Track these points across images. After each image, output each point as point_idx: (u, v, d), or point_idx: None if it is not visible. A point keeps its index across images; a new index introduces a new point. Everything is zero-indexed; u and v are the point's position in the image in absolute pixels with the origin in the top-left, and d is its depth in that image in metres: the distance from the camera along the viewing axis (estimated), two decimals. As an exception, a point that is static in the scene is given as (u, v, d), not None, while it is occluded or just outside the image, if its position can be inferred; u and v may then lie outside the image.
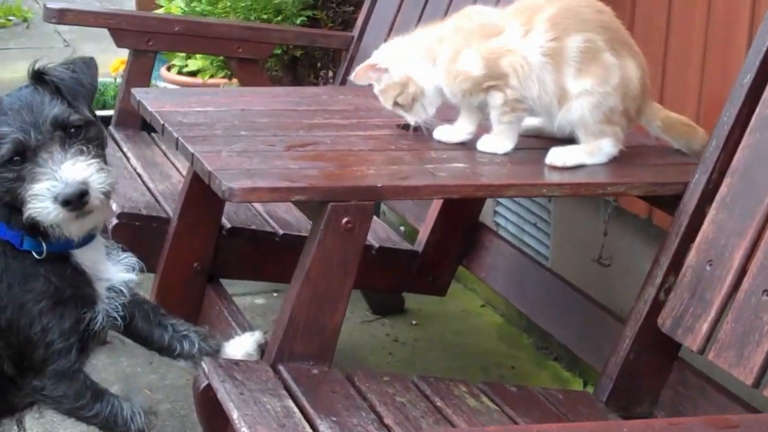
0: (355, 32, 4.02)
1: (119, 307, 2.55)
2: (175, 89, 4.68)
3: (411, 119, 2.74)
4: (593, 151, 2.63)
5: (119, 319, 2.57)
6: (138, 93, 3.05)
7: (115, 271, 2.56)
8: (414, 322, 4.15)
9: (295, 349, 2.39)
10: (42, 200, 2.32)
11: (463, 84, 2.66)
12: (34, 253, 2.44)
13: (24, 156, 2.34)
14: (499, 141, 2.68)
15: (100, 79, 4.88)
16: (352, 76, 2.84)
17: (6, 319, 2.44)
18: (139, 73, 3.91)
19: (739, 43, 2.93)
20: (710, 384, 2.44)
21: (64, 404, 2.52)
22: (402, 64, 2.74)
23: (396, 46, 2.80)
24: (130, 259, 2.61)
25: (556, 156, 2.61)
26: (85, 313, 2.48)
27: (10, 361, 2.49)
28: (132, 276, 2.59)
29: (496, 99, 2.64)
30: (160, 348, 2.72)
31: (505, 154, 2.64)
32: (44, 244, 2.44)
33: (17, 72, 7.66)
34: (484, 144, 2.68)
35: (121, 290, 2.55)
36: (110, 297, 2.54)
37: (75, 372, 2.50)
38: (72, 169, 2.32)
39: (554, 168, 2.59)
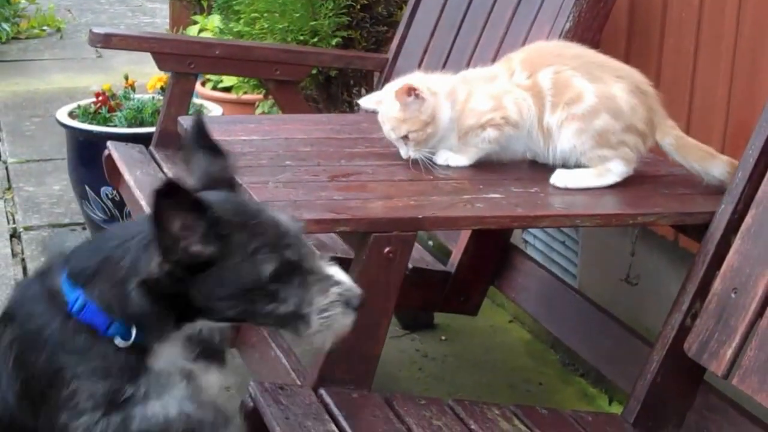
0: (390, 54, 4.07)
1: None
2: (221, 117, 4.74)
3: (404, 152, 2.81)
4: (601, 173, 2.71)
5: None
6: (185, 121, 3.12)
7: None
8: (443, 338, 4.19)
9: (337, 374, 2.45)
10: (335, 307, 2.09)
11: (470, 120, 2.79)
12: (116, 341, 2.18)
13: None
14: (459, 157, 2.82)
15: (137, 96, 5.02)
16: (391, 93, 2.83)
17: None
18: (180, 95, 3.97)
19: (766, 70, 3.00)
20: (734, 408, 2.49)
21: None
22: (433, 99, 2.81)
23: (426, 81, 2.87)
24: None
25: (560, 178, 2.70)
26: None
27: None
28: None
29: (490, 134, 2.78)
30: None
31: (538, 187, 2.71)
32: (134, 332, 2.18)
33: (51, 83, 7.78)
34: (442, 158, 2.81)
35: None
36: None
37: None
38: (339, 271, 2.14)
39: (556, 189, 2.68)
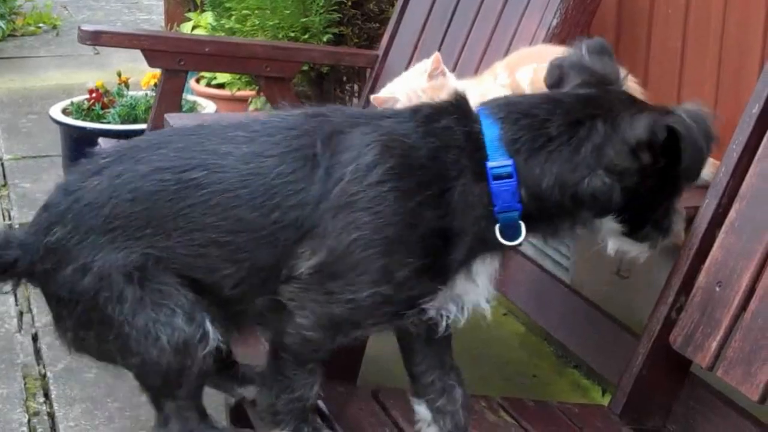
0: (380, 51, 4.10)
1: (449, 318, 2.23)
2: (207, 114, 4.76)
3: None
4: None
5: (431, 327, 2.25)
6: (171, 119, 3.13)
7: (479, 293, 2.22)
8: (438, 331, 4.20)
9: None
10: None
11: None
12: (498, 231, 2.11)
13: None
14: None
15: (131, 93, 5.03)
16: (423, 64, 3.00)
17: (354, 238, 2.06)
18: (171, 92, 3.98)
19: (752, 66, 3.02)
20: (720, 399, 2.51)
21: (295, 349, 2.18)
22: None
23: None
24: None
25: None
26: (433, 293, 2.14)
27: (288, 266, 2.12)
28: (487, 306, 2.26)
29: None
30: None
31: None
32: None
33: (47, 80, 7.78)
34: None
35: (464, 309, 2.24)
36: (452, 308, 2.22)
37: (345, 332, 2.19)
38: None
39: None
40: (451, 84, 2.91)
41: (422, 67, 2.95)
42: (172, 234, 2.16)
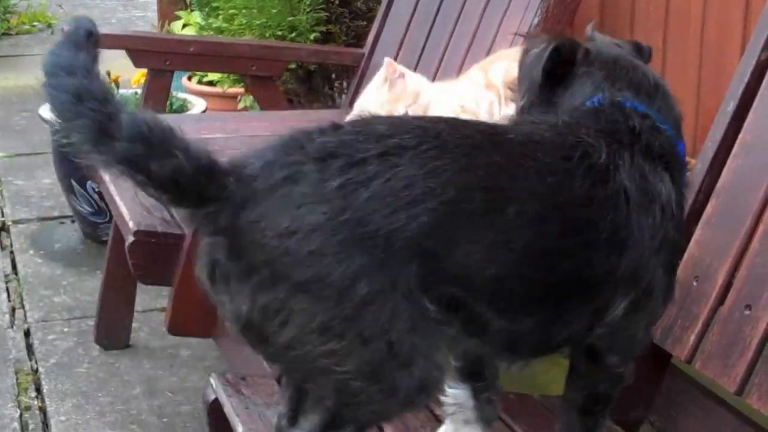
0: (366, 49, 4.13)
1: None
2: (189, 115, 4.78)
3: None
4: None
5: None
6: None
7: None
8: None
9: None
10: None
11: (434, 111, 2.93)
12: None
13: None
14: None
15: (121, 91, 5.05)
16: (379, 77, 3.05)
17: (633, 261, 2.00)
18: (157, 91, 4.00)
19: (731, 63, 3.04)
20: (700, 391, 2.53)
21: (610, 393, 2.20)
22: (413, 79, 3.00)
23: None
24: None
25: None
26: None
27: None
28: None
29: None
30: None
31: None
32: None
33: (42, 78, 7.78)
34: None
35: None
36: None
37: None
38: None
39: None
40: (410, 83, 2.96)
41: (382, 76, 3.00)
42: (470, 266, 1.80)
